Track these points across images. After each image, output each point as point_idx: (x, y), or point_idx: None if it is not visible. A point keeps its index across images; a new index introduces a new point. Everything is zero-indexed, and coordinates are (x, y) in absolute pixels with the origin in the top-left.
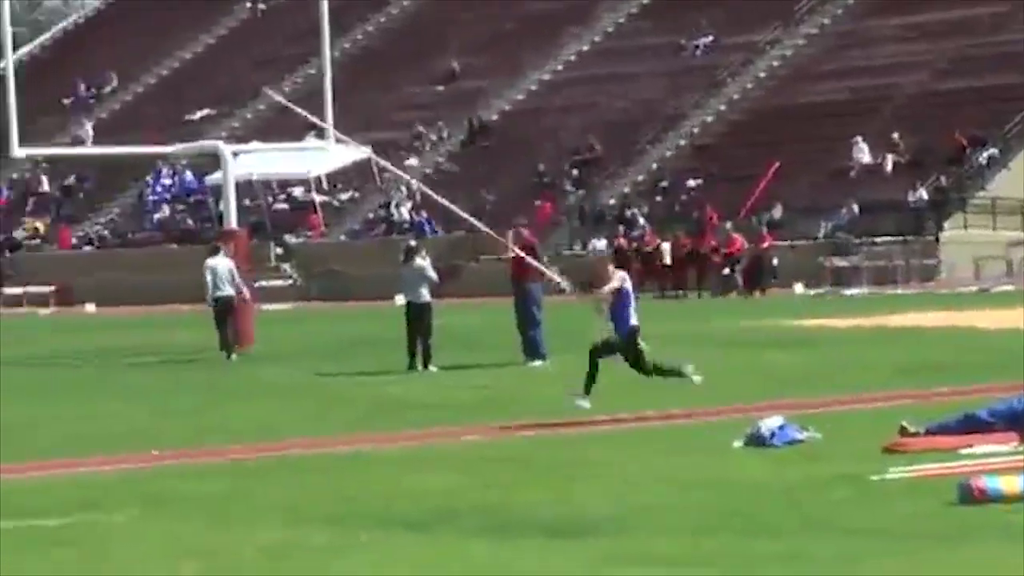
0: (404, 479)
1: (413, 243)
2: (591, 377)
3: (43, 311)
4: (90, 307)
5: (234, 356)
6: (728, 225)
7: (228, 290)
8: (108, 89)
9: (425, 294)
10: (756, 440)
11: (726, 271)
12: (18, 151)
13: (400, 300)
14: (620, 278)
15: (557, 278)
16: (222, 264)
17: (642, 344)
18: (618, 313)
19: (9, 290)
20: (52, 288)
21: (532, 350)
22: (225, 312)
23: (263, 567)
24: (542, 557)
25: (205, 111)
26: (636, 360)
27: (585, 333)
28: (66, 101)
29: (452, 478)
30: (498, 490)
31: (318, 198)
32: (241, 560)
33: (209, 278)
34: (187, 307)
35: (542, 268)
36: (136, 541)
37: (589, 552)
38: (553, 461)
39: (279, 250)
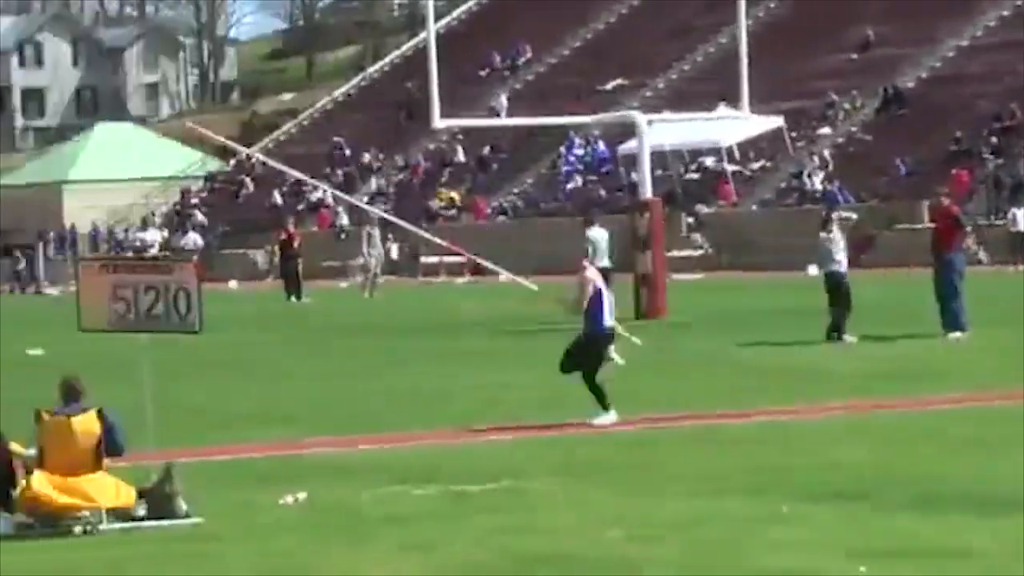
0: (824, 450)
1: (826, 213)
2: (598, 393)
3: (458, 280)
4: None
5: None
6: None
7: (604, 261)
8: (523, 60)
9: (837, 264)
10: None
11: None
12: (438, 122)
13: (813, 271)
14: (592, 277)
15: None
16: (602, 236)
17: (613, 357)
18: (592, 313)
19: (426, 259)
20: (467, 257)
21: (952, 322)
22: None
23: (681, 535)
24: (967, 533)
25: (617, 81)
26: (589, 362)
27: (1004, 304)
28: (482, 73)
29: (872, 450)
30: (919, 463)
31: (730, 167)
32: (659, 528)
33: (590, 250)
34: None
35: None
36: (556, 507)
37: (1016, 530)
38: (974, 435)
39: (691, 220)
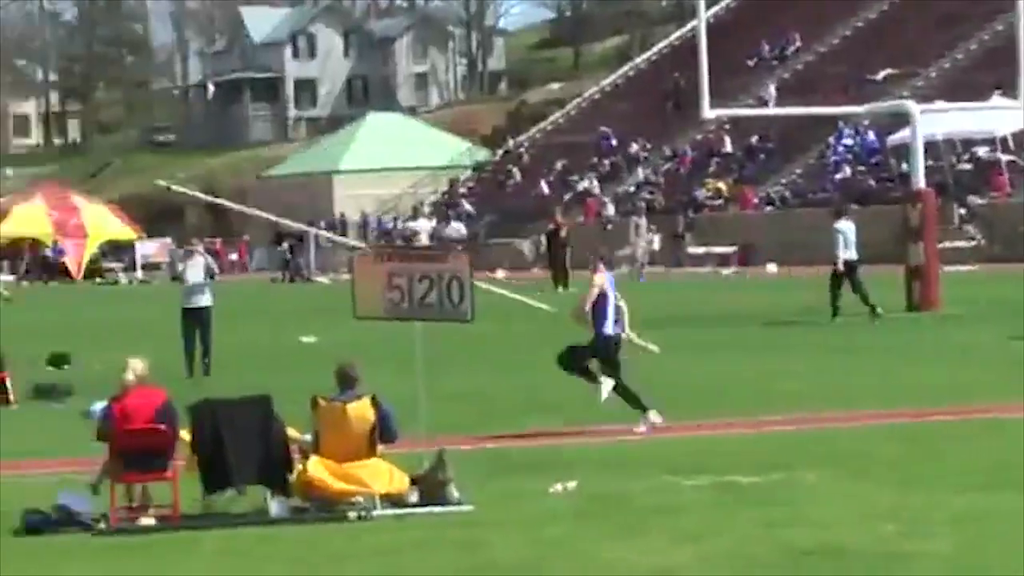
0: None
1: None
2: (588, 376)
3: (725, 271)
4: (771, 267)
5: (880, 314)
6: None
7: (852, 253)
8: (792, 49)
9: None
10: None
11: None
12: (708, 112)
13: None
14: (599, 282)
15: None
16: (850, 228)
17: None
18: (596, 317)
19: (692, 249)
20: (733, 248)
21: None
22: (850, 274)
23: (955, 531)
24: None
25: (888, 70)
26: (611, 370)
27: None
28: (750, 62)
29: None
30: None
31: (1004, 158)
32: (932, 523)
33: (840, 241)
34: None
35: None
36: (827, 500)
37: None
38: None
39: (963, 211)
